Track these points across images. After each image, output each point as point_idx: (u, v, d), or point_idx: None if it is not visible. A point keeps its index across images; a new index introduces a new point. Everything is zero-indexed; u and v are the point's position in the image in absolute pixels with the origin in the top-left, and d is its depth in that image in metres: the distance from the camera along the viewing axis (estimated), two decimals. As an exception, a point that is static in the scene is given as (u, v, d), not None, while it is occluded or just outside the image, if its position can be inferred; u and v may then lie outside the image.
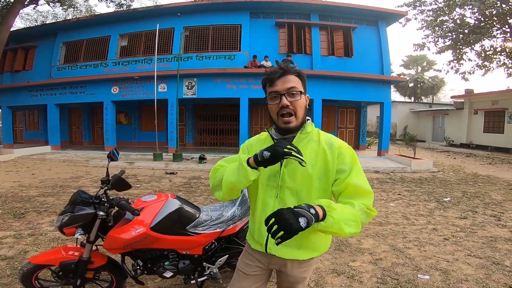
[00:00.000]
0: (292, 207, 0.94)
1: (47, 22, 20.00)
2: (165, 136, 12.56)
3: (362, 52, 10.87)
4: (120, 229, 1.71)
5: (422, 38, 14.87)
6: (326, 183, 1.15)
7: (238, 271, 1.35)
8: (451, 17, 13.63)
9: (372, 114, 20.00)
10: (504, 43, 13.42)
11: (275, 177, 1.18)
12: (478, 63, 14.37)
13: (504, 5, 11.83)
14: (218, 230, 1.97)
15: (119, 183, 1.76)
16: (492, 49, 13.87)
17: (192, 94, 10.64)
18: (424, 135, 21.06)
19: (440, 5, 13.47)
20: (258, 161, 1.05)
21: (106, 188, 1.85)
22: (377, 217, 4.32)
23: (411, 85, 28.96)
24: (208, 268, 2.00)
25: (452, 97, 19.91)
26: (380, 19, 11.31)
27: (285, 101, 1.11)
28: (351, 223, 0.99)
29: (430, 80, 28.77)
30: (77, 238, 1.73)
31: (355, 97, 10.49)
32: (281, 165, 1.17)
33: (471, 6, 12.14)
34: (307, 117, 1.23)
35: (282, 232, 0.87)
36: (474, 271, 2.64)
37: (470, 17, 13.48)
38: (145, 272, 1.90)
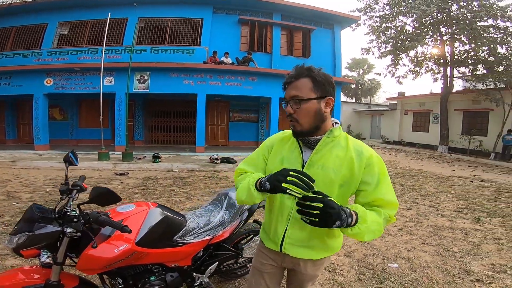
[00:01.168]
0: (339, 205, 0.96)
1: None
2: (110, 134, 11.46)
3: (318, 53, 11.43)
4: (99, 247, 1.45)
5: (368, 43, 16.31)
6: (347, 191, 1.14)
7: (253, 269, 1.38)
8: (393, 24, 15.16)
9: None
10: (433, 50, 15.43)
11: None
12: (410, 68, 16.29)
13: (439, 15, 13.60)
14: (207, 237, 1.82)
15: (106, 196, 1.45)
16: (422, 55, 15.86)
17: (144, 89, 9.87)
18: (364, 133, 23.24)
19: (387, 12, 14.86)
20: (261, 189, 1.06)
21: (71, 199, 1.55)
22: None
23: (353, 86, 31.58)
24: (198, 278, 1.85)
25: (387, 98, 22.31)
26: (336, 22, 12.07)
27: (288, 108, 1.12)
28: (373, 234, 1.04)
29: (369, 82, 31.87)
30: (41, 261, 1.41)
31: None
32: (302, 167, 1.15)
33: (412, 15, 13.64)
34: (336, 121, 1.20)
35: (317, 220, 0.92)
36: (432, 258, 2.97)
37: (409, 25, 15.19)
38: None
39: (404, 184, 7.05)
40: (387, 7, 14.81)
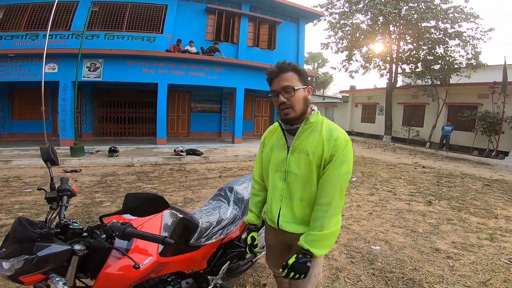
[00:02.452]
0: (294, 260, 1.24)
1: None
2: (52, 126, 10.17)
3: (283, 46, 11.58)
4: (118, 263, 1.23)
5: (326, 38, 17.03)
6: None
7: (267, 246, 1.60)
8: (350, 22, 16.03)
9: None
10: (382, 47, 16.76)
11: (282, 163, 1.33)
12: (362, 63, 17.53)
13: (392, 14, 14.71)
14: (221, 236, 1.73)
15: (152, 204, 1.15)
16: (372, 52, 17.16)
17: (95, 77, 8.86)
18: (319, 124, 24.52)
19: (346, 10, 15.61)
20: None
21: (64, 208, 1.32)
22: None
23: (309, 79, 32.99)
24: (212, 280, 1.75)
25: (341, 91, 23.74)
26: (302, 17, 12.30)
27: (282, 98, 1.24)
28: (329, 246, 1.29)
29: (323, 75, 33.58)
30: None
31: (273, 88, 11.09)
32: (287, 152, 1.32)
33: (368, 13, 14.54)
34: (313, 108, 1.35)
35: (301, 276, 1.22)
36: (404, 238, 3.30)
37: (364, 23, 16.20)
38: None
39: (362, 171, 7.65)
40: (347, 5, 15.59)
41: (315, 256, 1.24)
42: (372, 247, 3.00)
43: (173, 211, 1.56)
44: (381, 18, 14.57)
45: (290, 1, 11.52)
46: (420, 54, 15.32)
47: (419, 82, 14.94)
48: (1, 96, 10.50)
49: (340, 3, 15.81)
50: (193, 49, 9.70)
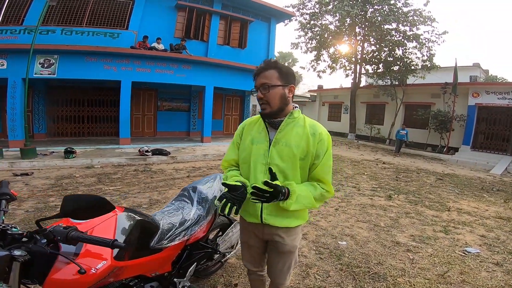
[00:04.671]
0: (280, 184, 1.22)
1: None
2: (0, 126, 9.18)
3: (253, 45, 11.54)
4: (65, 269, 1.12)
5: (296, 38, 17.27)
6: (307, 163, 1.35)
7: (243, 244, 1.57)
8: (320, 22, 16.45)
9: (251, 102, 21.87)
10: (346, 48, 17.47)
11: (264, 155, 1.35)
12: (329, 64, 18.12)
13: (358, 16, 15.31)
14: (185, 237, 1.66)
15: (95, 207, 1.08)
16: (338, 53, 17.81)
17: (49, 74, 8.12)
18: (288, 122, 24.96)
19: (316, 11, 15.95)
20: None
21: (2, 213, 1.19)
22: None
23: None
24: (180, 283, 1.68)
25: (309, 91, 24.35)
26: (273, 16, 12.36)
27: (259, 94, 1.32)
28: (301, 205, 1.29)
29: (292, 75, 34.23)
30: None
31: (243, 87, 11.01)
32: (269, 144, 1.35)
33: (336, 14, 14.98)
34: (296, 105, 1.41)
35: (265, 199, 1.20)
36: (368, 233, 3.45)
37: (333, 24, 16.71)
38: None
39: (329, 168, 7.91)
40: (317, 6, 15.97)
41: (286, 202, 1.25)
42: (339, 242, 3.10)
43: (129, 213, 1.46)
44: (348, 19, 15.17)
45: (262, 0, 11.53)
46: (381, 55, 16.23)
47: (380, 82, 15.83)
48: None
49: (311, 4, 16.21)
50: (161, 46, 9.30)
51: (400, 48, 15.24)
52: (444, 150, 12.44)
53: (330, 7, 15.19)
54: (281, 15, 12.89)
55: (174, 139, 10.95)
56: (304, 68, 24.50)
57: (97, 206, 1.08)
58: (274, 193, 1.18)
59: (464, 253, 3.05)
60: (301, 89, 38.61)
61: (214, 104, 10.80)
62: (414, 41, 14.74)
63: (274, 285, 1.54)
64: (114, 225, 1.32)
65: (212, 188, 2.00)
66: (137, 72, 8.88)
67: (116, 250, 1.25)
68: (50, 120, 10.40)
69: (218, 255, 2.09)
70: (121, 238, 1.30)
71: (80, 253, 1.17)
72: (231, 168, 1.51)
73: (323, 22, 16.51)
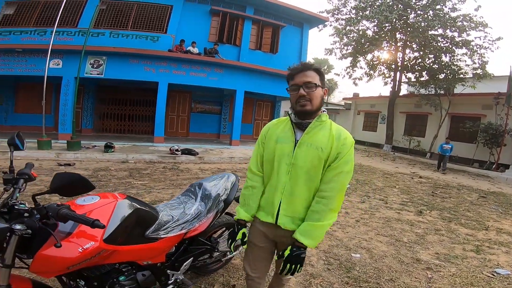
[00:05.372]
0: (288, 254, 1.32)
1: None
2: (53, 120, 10.26)
3: (285, 50, 11.59)
4: (59, 246, 1.23)
5: (331, 44, 16.96)
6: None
7: (249, 243, 1.53)
8: (356, 28, 15.98)
9: (282, 108, 21.79)
10: (387, 55, 16.70)
11: (288, 156, 1.36)
12: (366, 71, 17.44)
13: (398, 22, 14.65)
14: (182, 231, 1.70)
15: (76, 184, 1.22)
16: (377, 59, 17.07)
17: (98, 74, 8.97)
18: (320, 130, 24.44)
19: (352, 16, 15.57)
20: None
21: (17, 190, 1.31)
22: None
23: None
24: (173, 275, 1.72)
25: (344, 98, 23.70)
26: (306, 21, 12.32)
27: (302, 91, 1.32)
28: (319, 238, 1.35)
29: (327, 82, 33.55)
30: None
31: (274, 92, 11.06)
32: (295, 146, 1.36)
33: (374, 20, 14.47)
34: (323, 109, 1.42)
35: (297, 267, 1.32)
36: (387, 247, 3.23)
37: (370, 30, 16.14)
38: None
39: (357, 179, 7.57)
40: (354, 11, 15.55)
41: (307, 247, 1.30)
42: (353, 254, 2.94)
43: (130, 201, 1.54)
44: (387, 25, 14.51)
45: (294, 6, 11.54)
46: (425, 62, 15.19)
47: (422, 91, 14.82)
48: (6, 89, 10.68)
49: (347, 9, 15.80)
50: (195, 50, 9.76)
51: (447, 54, 14.12)
52: (493, 166, 11.21)
53: (367, 12, 14.64)
54: (314, 21, 12.75)
55: (204, 141, 11.32)
56: (338, 75, 23.88)
57: (79, 184, 1.21)
58: (295, 261, 1.30)
59: (492, 274, 2.74)
60: (337, 97, 37.63)
61: (245, 108, 10.98)
62: (464, 47, 13.57)
63: (279, 279, 1.63)
64: (112, 210, 1.40)
65: (216, 186, 2.03)
66: (173, 74, 9.41)
67: (107, 233, 1.33)
68: (97, 117, 11.40)
69: (218, 253, 2.10)
70: (115, 223, 1.38)
71: (73, 233, 1.26)
72: (255, 180, 1.49)
73: (360, 28, 15.96)
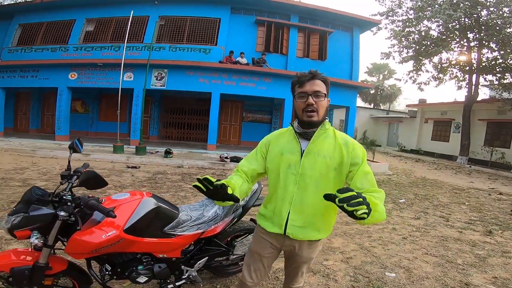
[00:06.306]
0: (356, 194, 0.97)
1: (5, 3, 17.51)
2: (127, 128, 11.83)
3: (335, 56, 11.25)
4: (87, 231, 1.50)
5: (389, 48, 15.73)
6: (341, 173, 1.33)
7: (253, 253, 1.50)
8: (417, 29, 14.62)
9: (336, 117, 20.95)
10: (459, 56, 14.77)
11: (295, 166, 1.34)
12: (433, 74, 15.65)
13: (467, 20, 13.02)
14: (198, 231, 1.85)
15: (94, 180, 1.55)
16: (447, 61, 15.20)
17: (161, 86, 10.13)
18: (381, 140, 22.64)
19: (410, 17, 14.35)
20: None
21: (70, 184, 1.63)
22: (343, 217, 4.47)
23: (372, 92, 30.81)
24: (187, 271, 1.88)
25: (407, 105, 21.63)
26: (355, 26, 11.80)
27: (311, 100, 1.29)
28: (382, 215, 1.13)
29: (389, 88, 31.02)
30: (31, 242, 1.49)
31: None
32: (301, 155, 1.34)
33: (437, 19, 13.11)
34: (326, 117, 1.40)
35: (364, 208, 0.94)
36: (432, 269, 2.87)
37: (434, 30, 14.59)
38: (115, 277, 1.72)
39: (416, 193, 6.84)
40: (411, 12, 14.31)
41: (366, 216, 0.96)
42: (387, 273, 2.69)
43: (154, 200, 1.76)
44: (454, 24, 12.88)
45: (341, 10, 11.16)
46: (508, 63, 12.94)
47: (505, 95, 12.61)
48: (92, 100, 12.81)
49: (403, 10, 14.55)
50: (244, 60, 10.21)
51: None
52: None
53: (427, 12, 13.20)
54: (364, 24, 12.03)
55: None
56: (400, 80, 21.86)
57: (95, 180, 1.52)
58: (359, 199, 0.96)
59: None
60: (402, 104, 34.52)
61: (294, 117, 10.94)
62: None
63: (288, 285, 1.60)
64: (136, 205, 1.66)
65: None
66: (224, 84, 10.01)
67: (128, 224, 1.57)
68: (161, 125, 12.79)
69: (235, 256, 2.18)
70: (136, 217, 1.62)
71: (102, 222, 1.54)
72: (239, 175, 1.43)
73: (421, 29, 14.45)
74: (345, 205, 0.94)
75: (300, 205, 1.33)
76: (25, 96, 12.93)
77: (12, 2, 17.99)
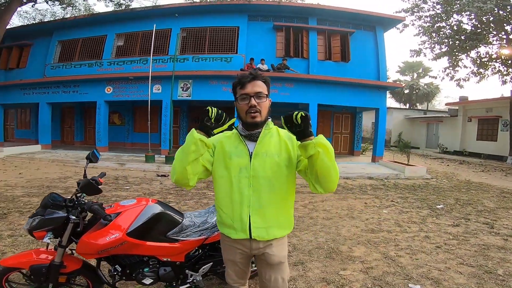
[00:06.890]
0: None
1: (45, 20, 19.81)
2: (159, 138, 12.46)
3: (359, 57, 10.88)
4: (94, 234, 1.64)
5: (419, 44, 14.84)
6: (292, 168, 1.36)
7: (227, 262, 1.51)
8: (448, 24, 13.66)
9: (367, 120, 20.09)
10: (500, 50, 13.51)
11: (246, 168, 1.33)
12: (473, 70, 14.42)
13: (501, 12, 11.93)
14: (202, 237, 1.89)
15: (88, 187, 1.70)
16: (487, 56, 13.94)
17: (187, 96, 10.56)
18: (418, 141, 21.20)
19: (438, 11, 13.49)
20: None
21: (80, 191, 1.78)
22: (369, 224, 4.25)
23: (406, 91, 29.12)
24: (191, 275, 1.91)
25: (447, 104, 20.09)
26: (378, 24, 11.35)
27: (253, 102, 1.31)
28: (329, 147, 1.19)
29: (425, 86, 28.98)
30: (47, 243, 1.64)
31: (351, 103, 10.47)
32: (250, 158, 1.34)
33: (468, 13, 12.19)
34: (268, 117, 1.41)
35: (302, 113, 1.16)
36: (466, 280, 2.58)
37: (467, 24, 13.53)
38: (124, 278, 1.81)
39: (458, 198, 6.27)
40: (438, 6, 13.42)
41: (313, 148, 1.15)
42: (410, 285, 2.47)
43: (159, 205, 1.85)
44: (489, 16, 11.79)
45: (360, 9, 10.76)
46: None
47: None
48: (127, 112, 13.72)
49: (429, 5, 13.64)
50: (265, 67, 10.24)
51: None
52: None
53: (456, 6, 12.23)
54: (388, 22, 11.47)
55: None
56: (435, 77, 20.41)
57: (89, 187, 1.67)
58: (305, 124, 1.16)
59: None
60: (442, 103, 32.11)
61: (322, 121, 10.72)
62: None
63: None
64: (140, 211, 1.77)
65: None
66: (246, 92, 10.11)
67: (131, 228, 1.68)
68: (190, 135, 13.26)
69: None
70: (139, 221, 1.72)
71: (109, 225, 1.67)
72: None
73: (453, 23, 13.41)
74: (293, 116, 1.16)
75: (259, 207, 1.32)
76: (70, 110, 14.27)
77: (52, 19, 20.16)
